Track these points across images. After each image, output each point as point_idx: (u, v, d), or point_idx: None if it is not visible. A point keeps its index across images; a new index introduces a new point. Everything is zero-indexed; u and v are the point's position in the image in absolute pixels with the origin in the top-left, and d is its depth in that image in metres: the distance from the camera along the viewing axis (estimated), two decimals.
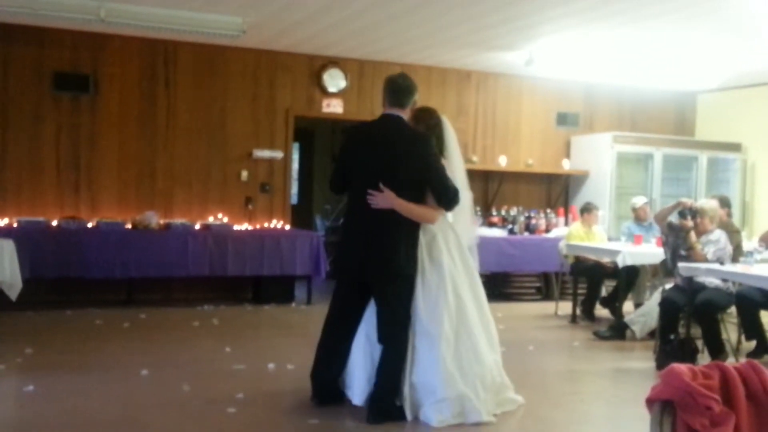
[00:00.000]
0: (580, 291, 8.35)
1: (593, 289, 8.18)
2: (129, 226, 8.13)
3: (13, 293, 6.09)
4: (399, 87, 4.43)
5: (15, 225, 7.75)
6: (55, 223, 7.95)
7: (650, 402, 2.40)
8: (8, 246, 6.04)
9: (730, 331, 6.59)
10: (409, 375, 4.41)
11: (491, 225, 9.64)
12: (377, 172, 4.32)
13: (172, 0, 7.04)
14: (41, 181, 8.18)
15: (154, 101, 8.60)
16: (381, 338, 4.42)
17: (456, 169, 4.66)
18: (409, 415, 4.38)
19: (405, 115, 4.46)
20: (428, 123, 4.63)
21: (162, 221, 8.36)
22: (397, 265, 4.32)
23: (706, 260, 6.24)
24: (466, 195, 4.71)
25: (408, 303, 4.42)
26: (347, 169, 4.52)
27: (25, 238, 7.14)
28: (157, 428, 4.28)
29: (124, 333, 6.78)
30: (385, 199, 4.28)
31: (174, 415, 4.49)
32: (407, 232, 4.38)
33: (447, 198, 4.39)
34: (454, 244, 4.62)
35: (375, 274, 4.38)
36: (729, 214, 7.44)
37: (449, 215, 4.66)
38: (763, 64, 8.94)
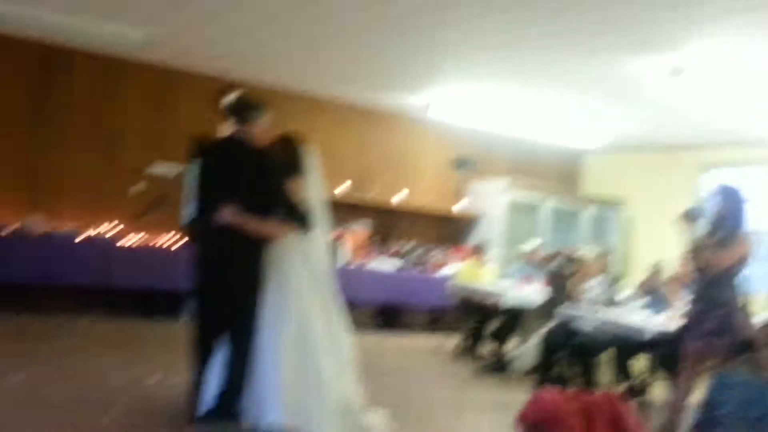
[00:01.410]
0: (467, 327, 8.54)
1: (478, 326, 8.39)
2: (10, 232, 7.78)
3: None
4: (233, 107, 4.79)
5: None
6: None
7: (520, 422, 2.54)
8: None
9: (609, 371, 6.86)
10: (252, 386, 4.40)
11: (386, 258, 9.80)
12: (221, 189, 4.41)
13: (71, 5, 6.81)
14: None
15: (44, 108, 8.34)
16: (227, 342, 4.41)
17: (313, 195, 4.70)
18: (247, 423, 4.36)
19: (248, 130, 4.59)
20: (287, 148, 4.73)
21: (47, 229, 8.04)
22: (234, 271, 4.36)
23: (585, 306, 6.57)
24: (321, 221, 4.75)
25: (251, 304, 4.41)
26: (203, 192, 4.55)
27: None
28: None
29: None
30: (225, 215, 4.32)
31: (46, 424, 4.34)
32: (249, 248, 4.40)
33: (292, 213, 4.46)
34: (305, 264, 4.62)
35: (217, 277, 4.40)
36: (609, 263, 7.83)
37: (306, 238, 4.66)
38: (640, 130, 9.61)
